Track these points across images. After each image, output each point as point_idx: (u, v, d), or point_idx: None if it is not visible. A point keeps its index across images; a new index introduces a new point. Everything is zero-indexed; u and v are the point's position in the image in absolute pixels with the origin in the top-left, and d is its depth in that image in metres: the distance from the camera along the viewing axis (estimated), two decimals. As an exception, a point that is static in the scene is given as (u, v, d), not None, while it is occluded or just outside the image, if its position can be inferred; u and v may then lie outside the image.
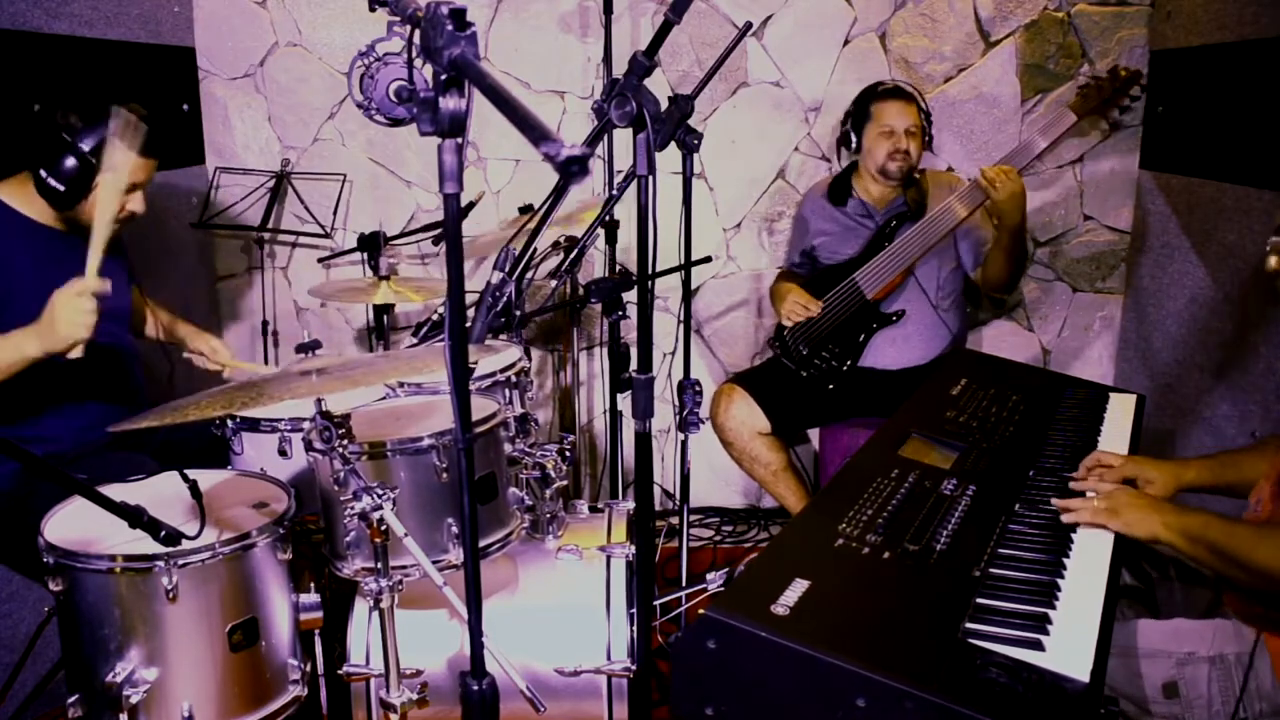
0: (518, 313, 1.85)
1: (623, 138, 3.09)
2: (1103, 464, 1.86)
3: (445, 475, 1.81)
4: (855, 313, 2.93)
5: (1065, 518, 1.65)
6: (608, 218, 2.83)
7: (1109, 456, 1.88)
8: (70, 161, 2.00)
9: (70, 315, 1.84)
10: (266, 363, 3.37)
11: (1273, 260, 1.63)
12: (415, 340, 2.50)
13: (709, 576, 2.32)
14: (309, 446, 1.68)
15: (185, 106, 3.25)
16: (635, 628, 1.92)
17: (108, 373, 2.25)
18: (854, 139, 2.98)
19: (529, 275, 2.69)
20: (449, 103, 1.09)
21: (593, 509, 2.28)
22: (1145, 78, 3.14)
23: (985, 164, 3.29)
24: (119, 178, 2.01)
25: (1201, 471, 1.92)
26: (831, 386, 2.96)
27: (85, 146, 2.00)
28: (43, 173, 2.00)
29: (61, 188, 2.01)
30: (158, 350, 2.76)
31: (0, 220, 2.09)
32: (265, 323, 3.32)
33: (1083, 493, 1.77)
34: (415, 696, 1.70)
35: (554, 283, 2.58)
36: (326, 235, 3.18)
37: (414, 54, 1.19)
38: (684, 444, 2.28)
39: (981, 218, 2.87)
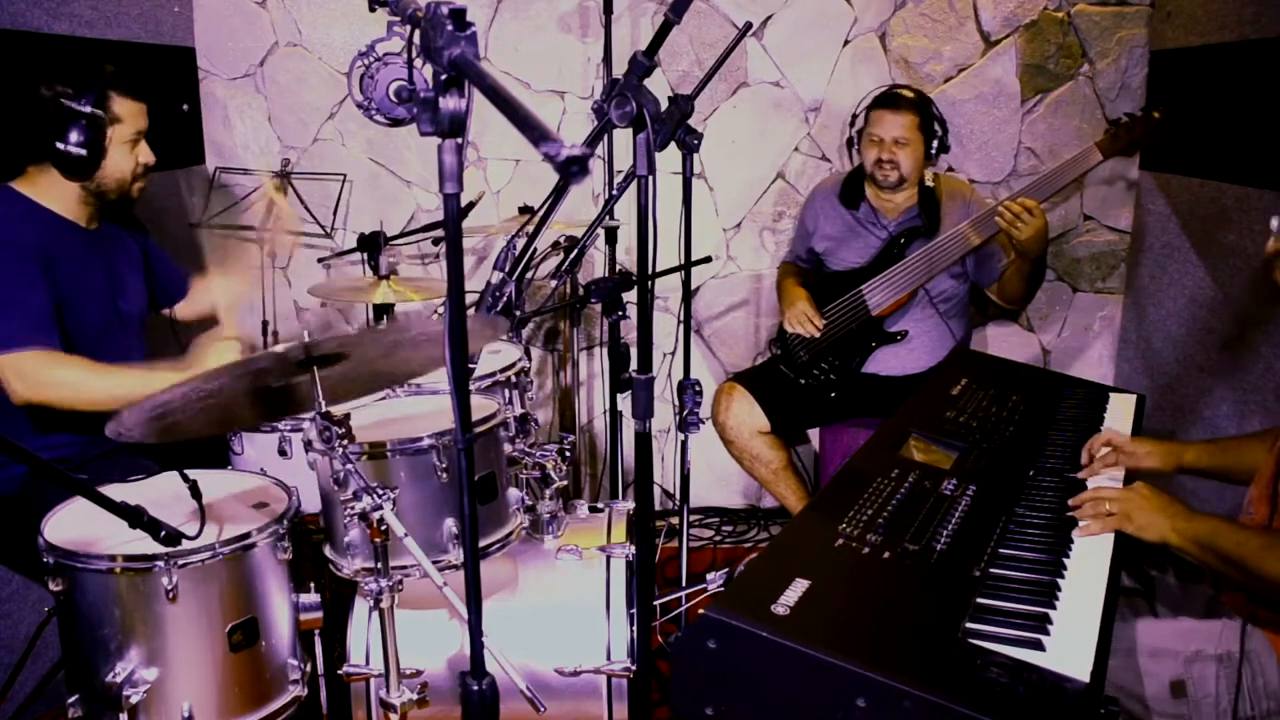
0: (518, 313, 1.84)
1: (623, 138, 3.09)
2: (1108, 444, 1.87)
3: (445, 475, 1.81)
4: (858, 327, 2.92)
5: (1078, 531, 1.64)
6: (608, 218, 2.83)
7: (1110, 435, 1.90)
8: (79, 127, 2.00)
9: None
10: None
11: (1272, 243, 1.63)
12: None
13: (709, 576, 2.32)
14: (309, 446, 1.69)
15: (185, 106, 3.25)
16: (635, 628, 1.92)
17: None
18: (857, 147, 2.95)
19: (529, 275, 2.69)
20: (449, 103, 1.09)
21: (593, 509, 2.28)
22: (1146, 81, 3.15)
23: (985, 164, 3.30)
24: (126, 130, 2.07)
25: (1201, 455, 1.92)
26: (833, 395, 2.95)
27: (88, 108, 2.01)
28: (59, 145, 2.00)
29: (83, 152, 2.01)
30: (169, 337, 2.74)
31: (39, 220, 2.09)
32: (265, 322, 3.31)
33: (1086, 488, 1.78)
34: (415, 696, 1.70)
35: (554, 283, 2.58)
36: (327, 235, 3.18)
37: (414, 54, 1.18)
38: (684, 444, 2.28)
39: (1000, 239, 2.81)
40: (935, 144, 2.88)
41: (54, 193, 2.10)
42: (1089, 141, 3.16)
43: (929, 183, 2.91)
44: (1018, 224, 2.59)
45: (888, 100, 2.87)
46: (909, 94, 2.89)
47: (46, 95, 1.99)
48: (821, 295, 2.97)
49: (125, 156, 2.11)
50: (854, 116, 2.99)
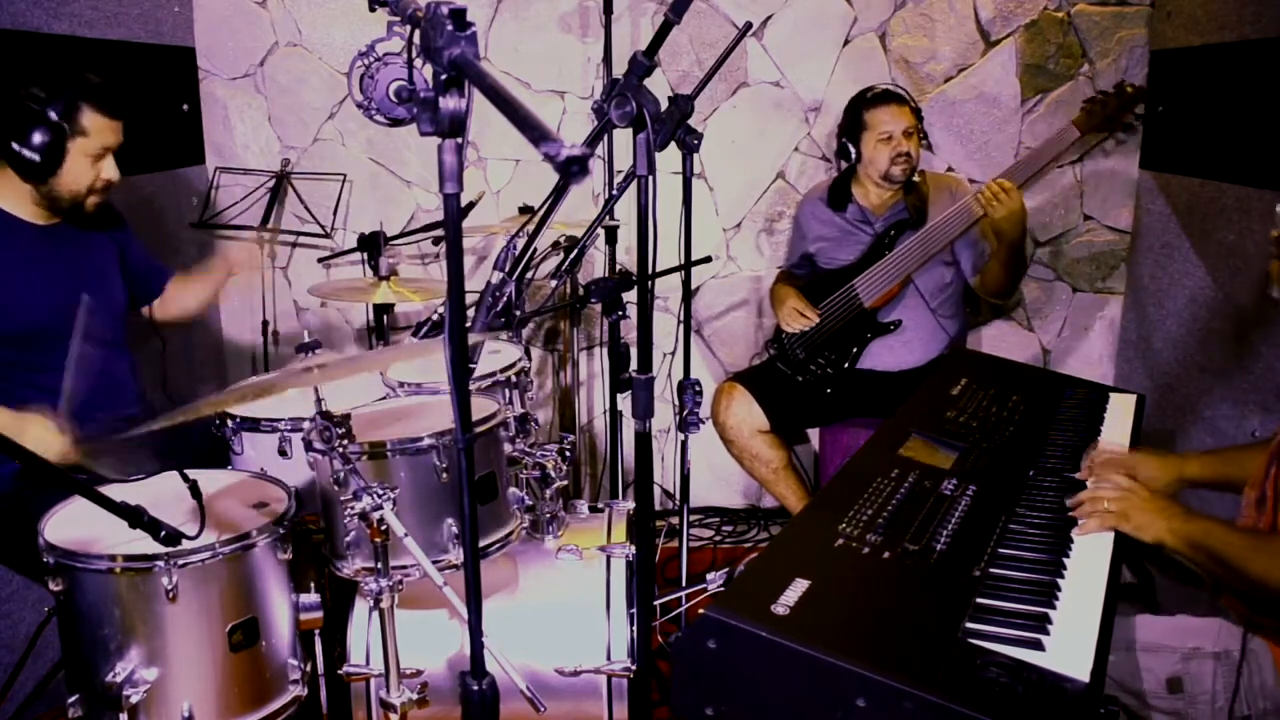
0: (518, 313, 1.84)
1: (623, 138, 3.09)
2: (1107, 456, 1.86)
3: (445, 475, 1.81)
4: (852, 320, 2.93)
5: (1077, 531, 1.64)
6: (608, 218, 2.83)
7: (1111, 449, 1.89)
8: (40, 131, 1.98)
9: (40, 440, 1.86)
10: (266, 365, 3.37)
11: (1274, 233, 1.63)
12: (415, 339, 2.50)
13: (709, 576, 2.32)
14: (309, 446, 1.69)
15: (185, 106, 3.25)
16: (635, 628, 1.92)
17: (102, 380, 2.23)
18: (852, 150, 2.91)
19: (529, 275, 2.68)
20: (449, 103, 1.09)
21: (593, 509, 2.28)
22: (1146, 81, 3.14)
23: (985, 164, 3.30)
24: (91, 144, 2.03)
25: (1203, 467, 1.92)
26: (829, 390, 2.96)
27: (53, 115, 1.99)
28: (14, 145, 1.98)
29: (36, 158, 1.99)
30: (149, 332, 2.76)
31: None
32: (265, 322, 3.32)
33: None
34: (415, 696, 1.71)
35: (554, 283, 2.58)
36: (326, 235, 3.18)
37: (414, 54, 1.19)
38: (684, 444, 2.28)
39: (983, 226, 2.84)
40: (925, 139, 2.96)
41: (6, 189, 2.08)
42: (1089, 142, 3.16)
43: (915, 178, 2.94)
44: (994, 203, 2.65)
45: (890, 96, 2.89)
46: (896, 89, 2.92)
47: (19, 94, 1.98)
48: (815, 294, 2.98)
49: (85, 169, 2.07)
50: (841, 126, 2.97)
